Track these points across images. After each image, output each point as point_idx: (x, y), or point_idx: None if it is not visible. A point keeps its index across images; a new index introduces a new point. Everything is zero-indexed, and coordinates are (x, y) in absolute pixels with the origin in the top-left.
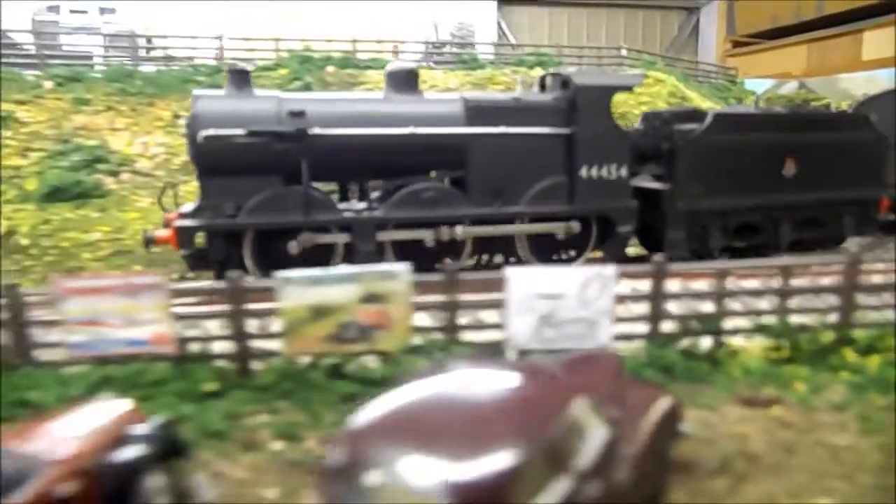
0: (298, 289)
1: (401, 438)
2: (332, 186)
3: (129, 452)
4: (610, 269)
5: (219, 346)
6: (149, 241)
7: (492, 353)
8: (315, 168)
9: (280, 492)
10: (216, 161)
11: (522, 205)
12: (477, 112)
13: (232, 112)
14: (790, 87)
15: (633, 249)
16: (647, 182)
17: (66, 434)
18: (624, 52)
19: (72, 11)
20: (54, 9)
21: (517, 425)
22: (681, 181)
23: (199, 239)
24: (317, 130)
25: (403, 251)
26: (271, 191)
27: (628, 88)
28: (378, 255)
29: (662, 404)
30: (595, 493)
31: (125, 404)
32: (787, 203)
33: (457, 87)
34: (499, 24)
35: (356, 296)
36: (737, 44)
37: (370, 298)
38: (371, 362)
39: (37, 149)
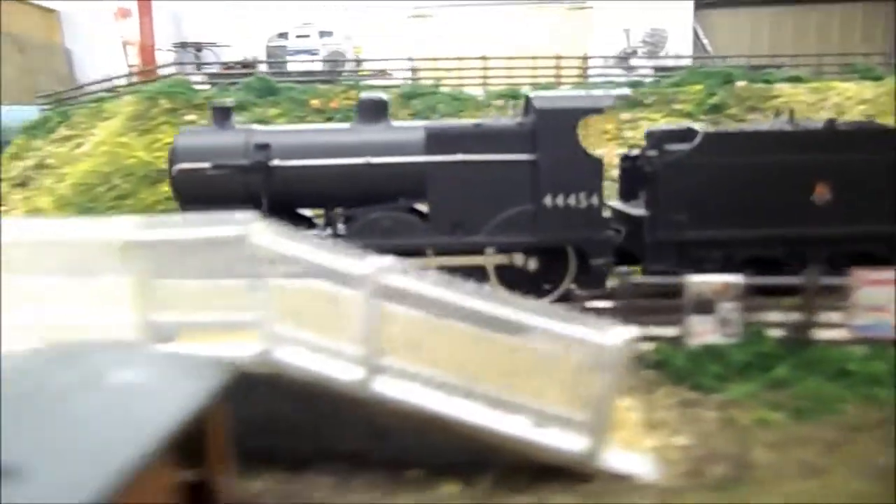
0: None
1: None
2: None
3: None
4: None
5: None
6: None
7: None
8: (281, 197)
9: None
10: (191, 191)
11: (485, 234)
12: (436, 140)
13: (205, 146)
14: None
15: None
16: (627, 207)
17: None
18: None
19: (297, 36)
20: (284, 35)
21: None
22: (661, 208)
23: None
24: (277, 162)
25: None
26: None
27: (598, 111)
28: None
29: None
30: None
31: None
32: (817, 236)
33: (872, 97)
34: (694, 28)
35: None
36: None
37: None
38: None
39: None
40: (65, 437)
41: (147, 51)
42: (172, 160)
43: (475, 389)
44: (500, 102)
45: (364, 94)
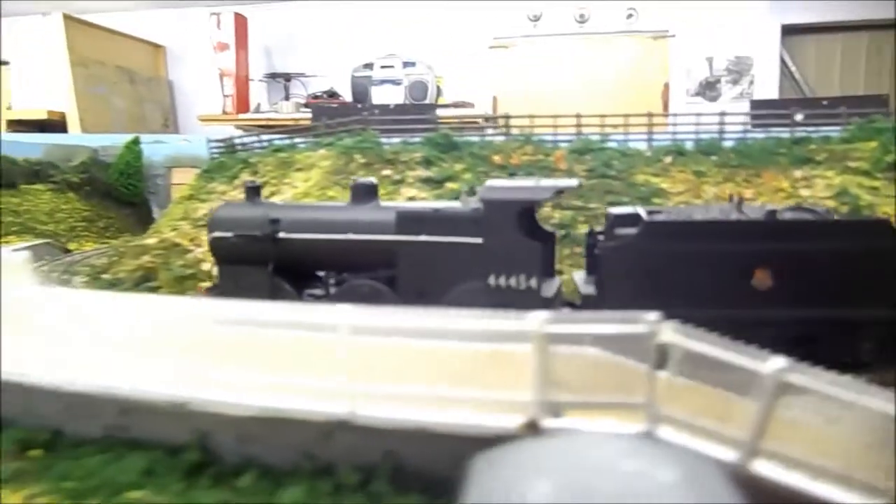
0: None
1: None
2: None
3: None
4: None
5: None
6: None
7: None
8: (286, 263)
9: None
10: (222, 255)
11: (443, 306)
12: (404, 221)
13: (234, 218)
14: None
15: None
16: (583, 284)
17: None
18: None
19: (382, 67)
20: (369, 65)
21: None
22: (606, 289)
23: None
24: (283, 235)
25: None
26: (253, 279)
27: (536, 202)
28: None
29: None
30: None
31: None
32: (757, 319)
33: None
34: (781, 56)
35: None
36: None
37: None
38: None
39: None
40: None
41: (241, 81)
42: (210, 229)
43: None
44: (668, 159)
45: (359, 180)
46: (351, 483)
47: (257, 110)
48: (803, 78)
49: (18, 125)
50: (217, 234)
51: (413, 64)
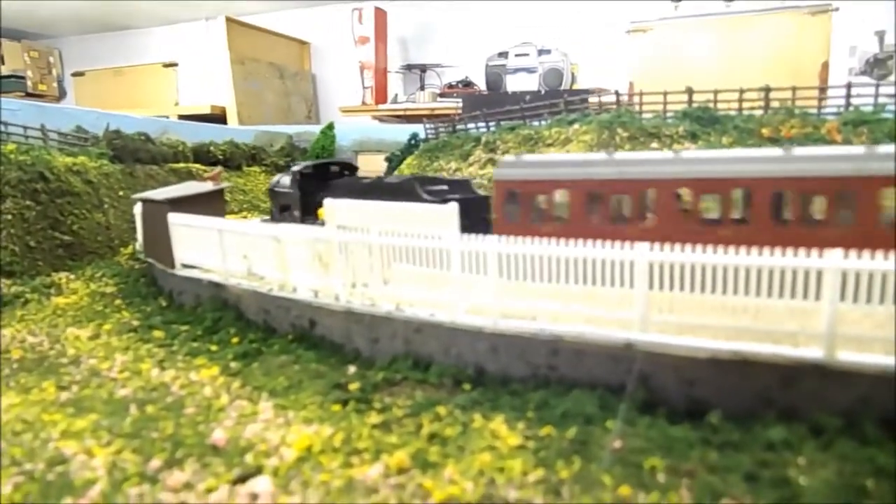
0: None
1: None
2: None
3: None
4: None
5: None
6: None
7: None
8: (280, 204)
9: None
10: (271, 198)
11: None
12: (293, 181)
13: (279, 180)
14: None
15: None
16: None
17: None
18: None
19: (517, 55)
20: (504, 54)
21: None
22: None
23: None
24: (276, 189)
25: None
26: (275, 211)
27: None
28: None
29: None
30: None
31: None
32: None
33: None
34: None
35: None
36: None
37: None
38: None
39: None
40: None
41: (380, 73)
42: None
43: None
44: None
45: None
46: (834, 426)
47: (394, 101)
48: None
49: (185, 119)
50: (269, 186)
51: (548, 52)
